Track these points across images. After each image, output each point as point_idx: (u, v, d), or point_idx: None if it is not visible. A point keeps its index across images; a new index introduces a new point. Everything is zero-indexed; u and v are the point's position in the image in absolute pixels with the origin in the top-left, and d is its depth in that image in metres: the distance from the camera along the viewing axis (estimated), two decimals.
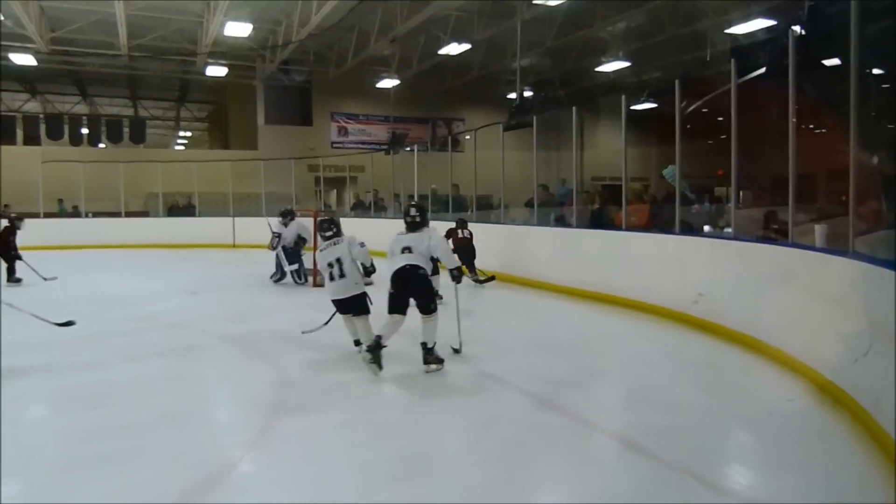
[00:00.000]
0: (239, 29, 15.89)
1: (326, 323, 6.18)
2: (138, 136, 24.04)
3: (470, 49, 17.94)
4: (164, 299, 9.20)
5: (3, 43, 18.02)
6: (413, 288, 5.29)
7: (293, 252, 10.38)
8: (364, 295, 5.70)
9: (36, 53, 18.19)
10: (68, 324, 6.27)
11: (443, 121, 25.67)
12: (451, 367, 5.38)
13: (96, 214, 18.86)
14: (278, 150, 20.80)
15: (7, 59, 18.51)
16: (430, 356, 5.25)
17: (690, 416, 4.24)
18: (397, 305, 5.23)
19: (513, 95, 20.64)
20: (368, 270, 5.82)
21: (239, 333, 6.73)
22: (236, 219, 18.04)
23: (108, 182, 18.58)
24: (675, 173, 7.45)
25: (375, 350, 5.01)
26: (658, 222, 8.52)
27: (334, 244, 5.77)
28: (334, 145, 24.02)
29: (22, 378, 5.24)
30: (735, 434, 4.08)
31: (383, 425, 4.14)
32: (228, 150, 24.73)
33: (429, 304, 5.26)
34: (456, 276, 5.52)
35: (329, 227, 5.91)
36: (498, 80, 23.05)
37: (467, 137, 20.19)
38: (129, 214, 18.82)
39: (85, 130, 24.33)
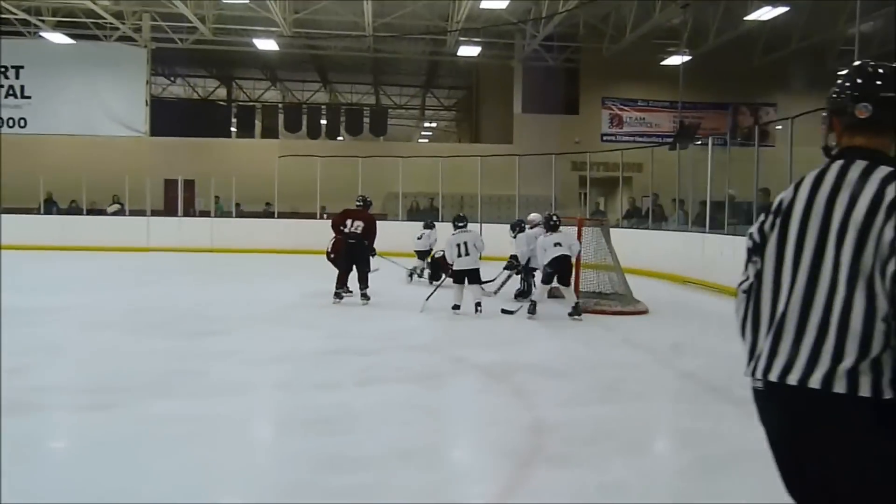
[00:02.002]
0: (496, 1, 16.56)
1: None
2: (379, 128, 26.11)
3: (787, 13, 16.98)
4: (405, 316, 9.86)
5: (247, 28, 20.62)
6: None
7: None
8: (478, 270, 9.92)
9: (279, 37, 20.54)
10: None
11: (747, 107, 24.62)
12: (744, 429, 5.12)
13: (330, 215, 20.67)
14: (537, 144, 21.31)
15: (252, 45, 21.13)
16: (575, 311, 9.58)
17: None
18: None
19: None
20: (480, 254, 9.98)
21: (490, 362, 7.02)
22: (484, 225, 18.69)
23: (344, 179, 20.26)
24: None
25: (534, 309, 9.60)
26: None
27: (463, 232, 10.02)
28: (605, 138, 24.09)
29: (256, 391, 5.93)
30: None
31: (664, 491, 4.04)
32: (479, 143, 25.81)
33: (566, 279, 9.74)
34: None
35: (462, 220, 10.23)
36: (825, 52, 21.57)
37: (779, 128, 19.14)
38: None
39: (323, 122, 26.92)
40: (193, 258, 18.37)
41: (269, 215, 21.25)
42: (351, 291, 10.64)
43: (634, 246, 13.92)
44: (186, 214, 21.59)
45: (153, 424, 4.89)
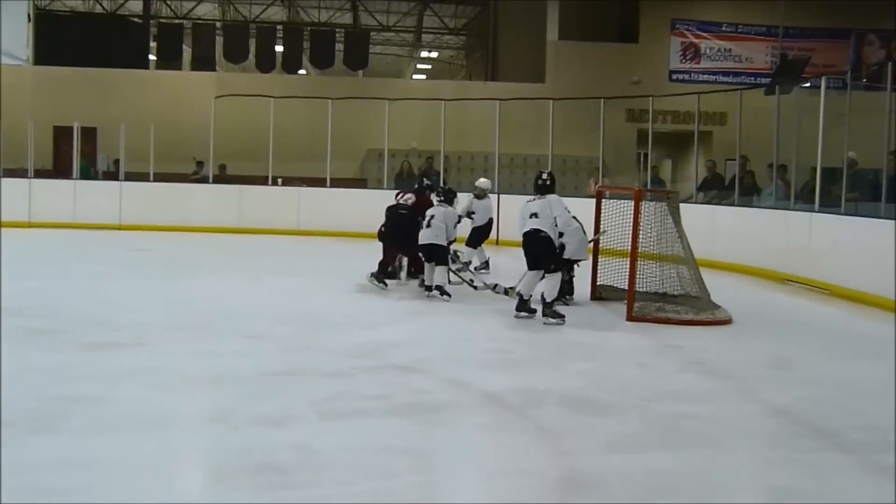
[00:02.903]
0: None
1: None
2: (358, 59, 26.04)
3: None
4: (390, 323, 9.93)
5: None
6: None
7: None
8: (445, 249, 11.23)
9: None
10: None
11: (876, 35, 24.55)
12: (860, 486, 5.15)
13: (286, 182, 20.59)
14: (579, 85, 21.24)
15: None
16: (548, 310, 9.70)
17: None
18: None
19: None
20: (450, 235, 11.38)
21: (505, 388, 7.02)
22: (503, 197, 18.56)
23: (308, 128, 20.24)
24: None
25: (521, 306, 9.96)
26: None
27: (440, 205, 11.53)
28: (675, 77, 24.07)
29: (178, 426, 5.94)
30: None
31: None
32: (497, 82, 25.77)
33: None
34: None
35: (445, 193, 11.97)
36: None
37: None
38: (335, 183, 20.38)
39: (279, 48, 26.81)
40: (95, 238, 18.39)
41: (202, 179, 21.19)
42: (398, 279, 12.42)
43: (713, 229, 13.95)
44: (85, 176, 21.48)
45: (34, 472, 4.89)
